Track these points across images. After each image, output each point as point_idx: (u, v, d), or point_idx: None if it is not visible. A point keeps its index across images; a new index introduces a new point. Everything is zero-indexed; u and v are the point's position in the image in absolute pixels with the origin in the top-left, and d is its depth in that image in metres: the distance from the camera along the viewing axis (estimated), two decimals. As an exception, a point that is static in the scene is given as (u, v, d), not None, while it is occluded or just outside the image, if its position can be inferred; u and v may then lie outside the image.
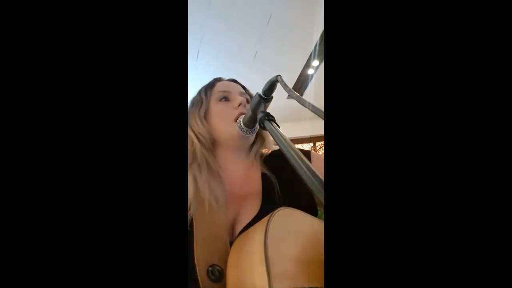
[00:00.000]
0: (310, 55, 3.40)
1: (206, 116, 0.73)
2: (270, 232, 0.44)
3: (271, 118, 0.50)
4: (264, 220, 0.48)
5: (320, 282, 0.45)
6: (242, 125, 0.62)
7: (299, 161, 0.35)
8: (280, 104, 2.96)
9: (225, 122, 0.70)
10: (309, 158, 0.70)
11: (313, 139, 4.82)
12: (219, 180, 0.66)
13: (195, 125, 0.71)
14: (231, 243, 0.54)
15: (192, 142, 0.69)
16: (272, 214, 0.47)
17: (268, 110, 0.53)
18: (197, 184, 0.63)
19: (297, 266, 0.45)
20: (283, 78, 0.51)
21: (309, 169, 0.33)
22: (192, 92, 0.77)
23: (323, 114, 0.35)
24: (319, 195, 0.30)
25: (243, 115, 0.63)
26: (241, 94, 0.76)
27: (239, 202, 0.65)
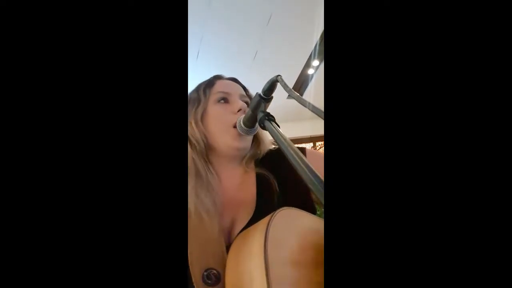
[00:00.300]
0: (310, 55, 3.40)
1: (202, 117, 0.68)
2: (270, 235, 0.44)
3: (271, 118, 0.50)
4: (265, 220, 0.47)
5: (321, 287, 0.44)
6: (242, 125, 0.62)
7: (299, 161, 0.35)
8: (280, 104, 2.96)
9: (222, 127, 0.66)
10: (304, 155, 0.69)
11: (313, 139, 4.82)
12: (211, 188, 0.62)
13: (189, 127, 0.67)
14: (227, 247, 0.54)
15: None
16: (273, 215, 0.47)
17: (268, 110, 0.53)
18: None
19: (297, 270, 0.44)
20: (283, 78, 0.51)
21: (310, 169, 0.33)
22: (192, 92, 0.76)
23: (323, 114, 0.35)
24: (319, 195, 0.30)
25: (243, 116, 0.63)
26: (241, 97, 0.72)
27: (233, 209, 0.63)
